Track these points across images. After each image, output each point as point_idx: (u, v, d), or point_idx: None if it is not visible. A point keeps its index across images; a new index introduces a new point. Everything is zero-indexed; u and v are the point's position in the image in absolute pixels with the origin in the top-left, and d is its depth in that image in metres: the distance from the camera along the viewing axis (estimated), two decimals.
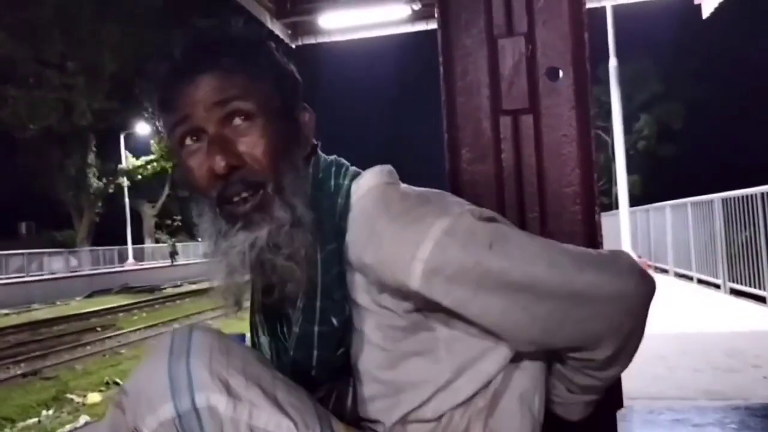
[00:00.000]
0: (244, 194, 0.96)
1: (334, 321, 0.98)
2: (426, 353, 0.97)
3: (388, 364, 0.98)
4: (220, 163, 0.93)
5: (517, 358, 0.98)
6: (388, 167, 1.04)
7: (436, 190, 1.02)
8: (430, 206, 0.94)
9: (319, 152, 1.08)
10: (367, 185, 1.00)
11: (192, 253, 37.67)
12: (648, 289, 0.96)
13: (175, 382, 0.85)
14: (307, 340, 0.99)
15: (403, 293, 0.93)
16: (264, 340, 1.10)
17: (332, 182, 1.03)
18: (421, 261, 0.89)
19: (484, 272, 0.89)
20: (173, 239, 36.08)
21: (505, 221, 0.98)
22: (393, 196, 0.98)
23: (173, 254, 34.20)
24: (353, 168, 1.06)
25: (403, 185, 1.02)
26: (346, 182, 1.02)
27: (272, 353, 1.07)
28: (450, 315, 0.94)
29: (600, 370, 1.02)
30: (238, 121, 0.95)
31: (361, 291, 0.98)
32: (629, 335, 0.97)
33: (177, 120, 0.97)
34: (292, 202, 0.96)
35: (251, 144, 0.95)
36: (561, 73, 1.31)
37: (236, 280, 0.99)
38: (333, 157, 1.08)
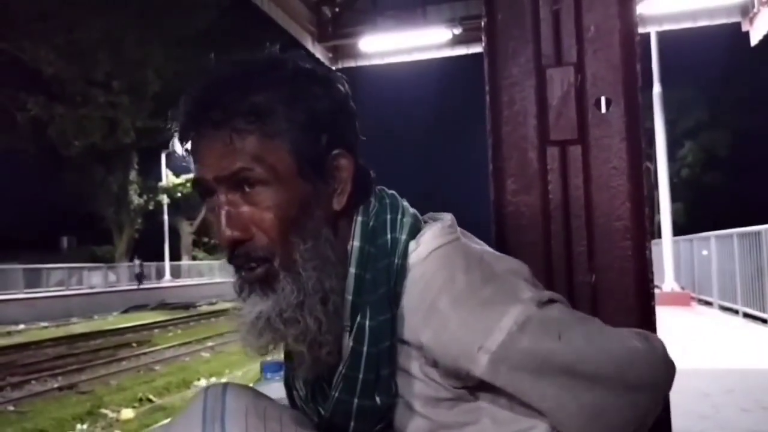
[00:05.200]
0: (252, 264, 0.90)
1: (378, 399, 0.90)
2: (471, 425, 0.92)
3: None
4: (224, 236, 0.88)
5: None
6: (449, 220, 0.97)
7: (497, 255, 0.97)
8: (498, 286, 0.88)
9: (374, 192, 0.99)
10: (427, 249, 0.92)
11: (228, 271, 37.95)
12: (673, 375, 0.95)
13: None
14: (345, 408, 0.92)
15: (458, 374, 0.88)
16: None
17: (388, 237, 0.93)
18: (489, 351, 0.84)
19: (550, 364, 0.85)
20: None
21: (563, 300, 0.93)
22: (457, 265, 0.90)
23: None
24: (409, 212, 0.97)
25: (464, 242, 0.96)
26: (404, 237, 0.93)
27: (308, 393, 1.01)
28: (498, 390, 0.89)
29: None
30: (247, 188, 0.88)
31: (407, 358, 0.91)
32: (649, 418, 0.94)
33: (194, 179, 0.93)
34: (303, 277, 0.88)
35: (259, 215, 0.88)
36: (611, 104, 1.27)
37: (251, 338, 0.91)
38: (387, 197, 0.99)
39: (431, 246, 0.92)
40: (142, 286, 29.24)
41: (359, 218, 0.95)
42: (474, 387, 0.90)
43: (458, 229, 0.97)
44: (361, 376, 0.90)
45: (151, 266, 32.98)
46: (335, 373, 0.92)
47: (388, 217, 0.95)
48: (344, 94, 0.96)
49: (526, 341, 0.84)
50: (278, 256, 0.89)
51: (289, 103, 0.89)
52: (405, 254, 0.92)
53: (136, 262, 30.74)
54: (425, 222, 0.98)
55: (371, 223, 0.95)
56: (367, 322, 0.89)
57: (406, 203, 0.99)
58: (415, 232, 0.94)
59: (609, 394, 0.88)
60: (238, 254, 0.90)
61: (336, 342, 0.91)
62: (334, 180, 0.93)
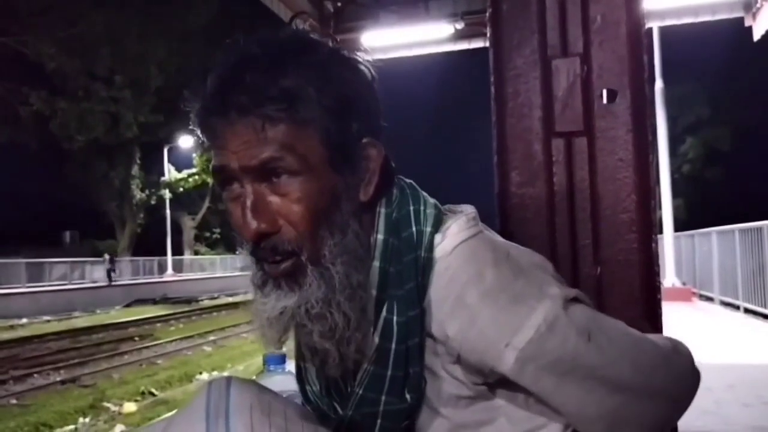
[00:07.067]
0: (277, 257, 0.85)
1: (408, 396, 0.88)
2: (488, 424, 0.92)
3: None
4: (249, 228, 0.83)
5: None
6: (472, 212, 0.94)
7: (521, 248, 0.94)
8: (526, 282, 0.87)
9: (396, 182, 0.95)
10: (453, 242, 0.89)
11: (229, 266, 38.09)
12: (697, 386, 0.94)
13: None
14: (371, 406, 0.89)
15: (482, 371, 0.86)
16: (311, 365, 0.99)
17: (413, 229, 0.90)
18: (516, 349, 0.82)
19: (578, 366, 0.84)
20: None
21: (586, 298, 0.91)
22: (484, 259, 0.88)
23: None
24: (430, 203, 0.94)
25: (488, 236, 0.94)
26: (428, 230, 0.90)
27: (321, 388, 0.98)
28: (516, 388, 0.88)
29: None
30: (275, 178, 0.83)
31: (430, 354, 0.89)
32: (668, 425, 0.94)
33: (214, 166, 0.87)
34: (332, 272, 0.84)
35: (287, 207, 0.83)
36: (618, 95, 1.26)
37: (272, 332, 0.88)
38: (407, 187, 0.95)
39: (457, 239, 0.89)
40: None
41: (383, 210, 0.91)
42: (494, 384, 0.89)
43: (480, 223, 0.95)
44: (389, 373, 0.87)
45: (153, 261, 32.99)
46: (357, 370, 0.89)
47: (411, 208, 0.92)
48: (371, 78, 0.92)
49: (555, 341, 0.83)
50: (306, 250, 0.84)
51: (321, 88, 0.84)
52: (431, 247, 0.89)
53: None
54: (445, 214, 0.94)
55: (394, 215, 0.91)
56: (395, 318, 0.87)
57: (425, 193, 0.96)
58: (438, 224, 0.91)
59: (632, 400, 0.87)
60: (263, 247, 0.85)
61: (364, 339, 0.87)
62: (361, 170, 0.88)
